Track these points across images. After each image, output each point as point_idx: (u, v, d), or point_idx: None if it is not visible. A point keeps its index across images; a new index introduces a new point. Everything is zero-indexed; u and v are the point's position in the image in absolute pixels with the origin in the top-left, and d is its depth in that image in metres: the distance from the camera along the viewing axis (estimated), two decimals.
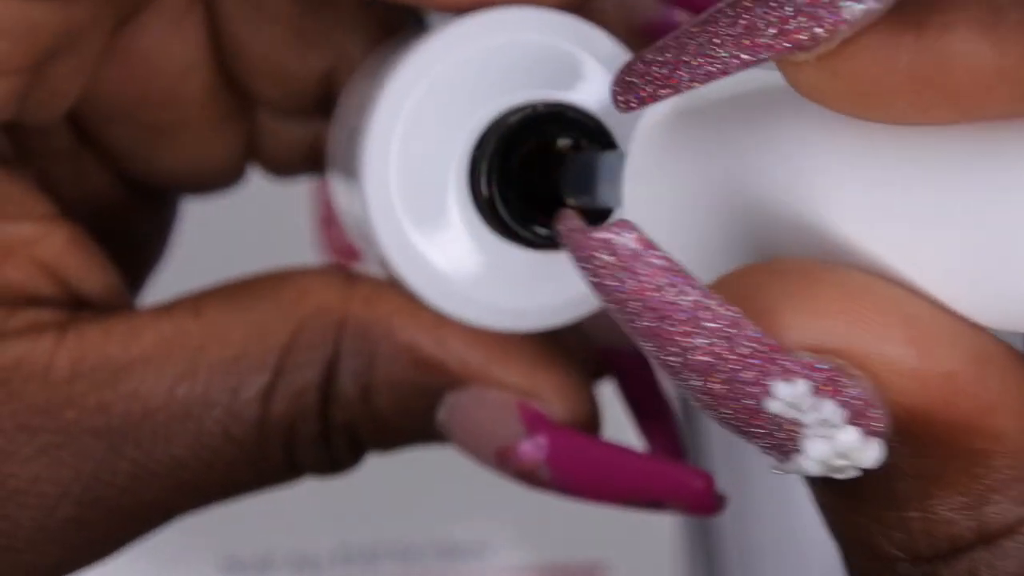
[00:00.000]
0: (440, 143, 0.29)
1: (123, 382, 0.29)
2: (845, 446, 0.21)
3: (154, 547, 0.33)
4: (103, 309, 0.31)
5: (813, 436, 0.21)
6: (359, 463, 0.31)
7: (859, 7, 0.21)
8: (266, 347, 0.29)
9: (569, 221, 0.22)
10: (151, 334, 0.29)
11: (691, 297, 0.21)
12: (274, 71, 0.33)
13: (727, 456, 0.58)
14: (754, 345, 0.21)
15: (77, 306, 0.30)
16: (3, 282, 0.29)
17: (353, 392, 0.30)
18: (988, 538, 0.22)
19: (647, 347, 0.22)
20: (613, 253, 0.21)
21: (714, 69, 0.22)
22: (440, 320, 0.29)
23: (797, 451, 0.21)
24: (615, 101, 0.23)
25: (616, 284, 0.21)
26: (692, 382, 0.21)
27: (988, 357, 0.22)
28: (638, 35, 0.31)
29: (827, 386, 0.21)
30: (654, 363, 0.22)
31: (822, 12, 0.21)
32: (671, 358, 0.21)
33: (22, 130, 0.31)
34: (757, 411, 0.21)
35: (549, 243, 0.29)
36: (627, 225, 0.21)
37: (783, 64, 0.22)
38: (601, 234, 0.21)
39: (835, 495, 0.23)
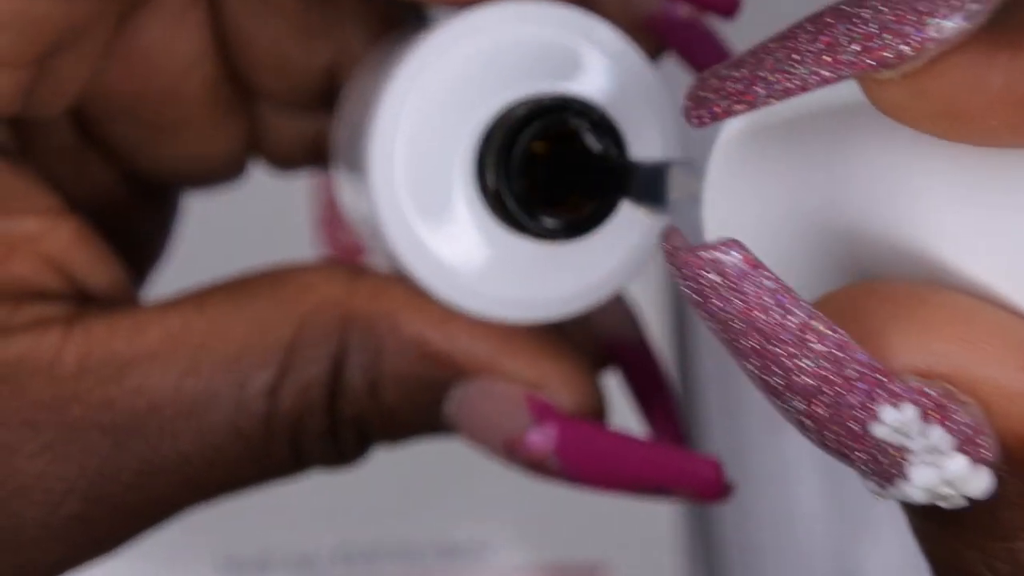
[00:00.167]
0: (445, 137, 0.29)
1: (128, 377, 0.29)
2: (953, 474, 0.21)
3: (153, 547, 0.33)
4: (108, 304, 0.30)
5: (919, 463, 0.21)
6: (365, 456, 0.31)
7: (949, 24, 0.20)
8: (271, 342, 0.29)
9: (672, 238, 0.22)
10: (157, 329, 0.29)
11: (799, 318, 0.21)
12: (278, 64, 0.33)
13: (727, 455, 0.58)
14: (862, 368, 0.21)
15: (83, 301, 0.30)
16: (9, 277, 0.29)
17: (361, 386, 0.30)
18: None
19: (748, 367, 0.21)
20: (720, 272, 0.21)
21: (792, 86, 0.21)
22: (446, 313, 0.29)
23: (902, 477, 0.21)
24: (687, 116, 0.23)
25: (721, 304, 0.21)
26: (795, 404, 0.21)
27: None
28: (640, 29, 0.31)
29: (936, 412, 0.21)
30: (755, 384, 0.21)
31: (908, 29, 0.20)
32: (774, 379, 0.21)
33: (25, 126, 0.31)
34: (862, 436, 0.21)
35: (556, 234, 0.29)
36: (734, 244, 0.21)
37: (865, 81, 0.21)
38: (708, 253, 0.21)
39: (936, 523, 0.23)
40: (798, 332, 0.21)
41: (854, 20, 0.21)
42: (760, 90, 0.22)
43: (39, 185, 0.30)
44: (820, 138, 0.23)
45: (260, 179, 0.37)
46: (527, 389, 0.29)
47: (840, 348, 0.21)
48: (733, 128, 0.24)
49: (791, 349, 0.21)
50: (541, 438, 0.29)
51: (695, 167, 0.25)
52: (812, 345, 0.21)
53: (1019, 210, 0.21)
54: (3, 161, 0.30)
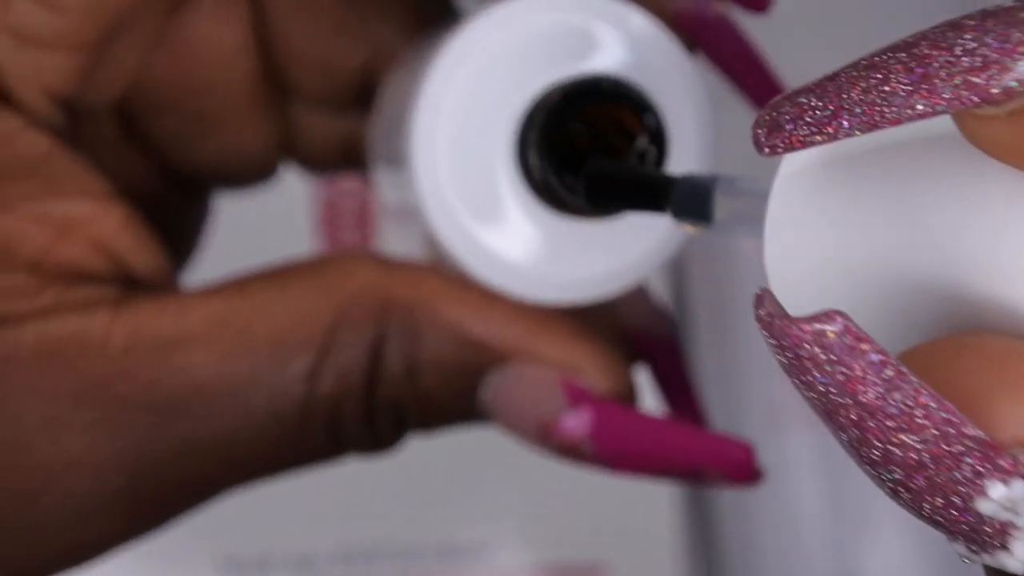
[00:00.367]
0: (485, 122, 0.29)
1: (173, 358, 0.29)
2: None
3: (153, 547, 0.33)
4: (152, 289, 0.31)
5: None
6: (400, 444, 0.31)
7: None
8: (311, 327, 0.30)
9: (768, 305, 0.21)
10: (201, 313, 0.30)
11: (905, 394, 0.20)
12: (315, 62, 0.33)
13: None
14: (970, 443, 0.20)
15: (128, 284, 0.31)
16: (62, 258, 0.30)
17: (399, 371, 0.30)
18: None
19: (842, 437, 0.20)
20: (822, 346, 0.20)
21: (882, 119, 0.20)
22: (484, 299, 0.30)
23: (1003, 550, 0.20)
24: (757, 143, 0.21)
25: (821, 377, 0.20)
26: (891, 476, 0.20)
27: None
28: (669, 25, 0.31)
29: None
30: (847, 451, 0.21)
31: (1019, 62, 0.19)
32: (872, 452, 0.20)
33: (74, 113, 0.32)
34: (964, 509, 0.20)
35: (600, 208, 0.29)
36: (838, 316, 0.20)
37: (963, 117, 0.20)
38: (811, 326, 0.20)
39: None
40: (904, 408, 0.20)
41: (955, 51, 0.19)
42: (845, 122, 0.20)
43: (92, 169, 0.31)
44: (897, 172, 0.22)
45: None
46: (562, 374, 0.29)
47: (948, 424, 0.20)
48: (798, 157, 0.22)
49: (893, 424, 0.20)
50: (576, 422, 0.29)
51: (742, 185, 0.24)
52: (918, 421, 0.20)
53: None
54: (61, 143, 0.31)
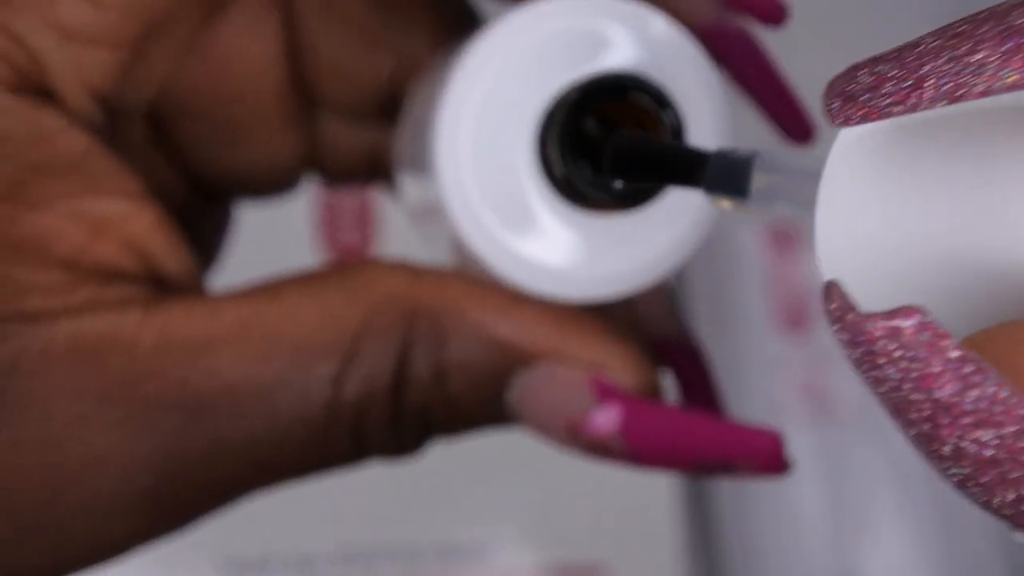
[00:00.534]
0: (507, 123, 0.29)
1: (202, 359, 0.30)
2: None
3: (153, 547, 0.33)
4: (181, 291, 0.31)
5: None
6: (423, 450, 0.31)
7: None
8: (339, 331, 0.30)
9: (838, 299, 0.20)
10: (231, 315, 0.30)
11: (984, 392, 0.19)
12: (343, 73, 0.34)
13: None
14: None
15: (158, 286, 0.31)
16: (97, 257, 0.30)
17: (426, 376, 0.30)
18: None
19: (911, 432, 0.20)
20: (899, 342, 0.19)
21: (969, 92, 0.19)
22: (508, 300, 0.30)
23: None
24: (828, 113, 0.21)
25: (895, 373, 0.19)
26: (961, 471, 0.20)
27: None
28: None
29: None
30: (915, 446, 0.20)
31: None
32: (945, 448, 0.20)
33: (111, 114, 0.32)
34: None
35: (619, 202, 0.29)
36: (916, 312, 0.19)
37: None
38: (887, 322, 0.19)
39: None
40: (982, 405, 0.19)
41: None
42: (928, 93, 0.19)
43: (127, 169, 0.31)
44: (959, 146, 0.21)
45: None
46: (590, 372, 0.30)
47: None
48: (853, 131, 0.21)
49: (970, 420, 0.19)
50: (605, 419, 0.29)
51: (780, 160, 0.24)
52: (996, 418, 0.19)
53: None
54: (99, 142, 0.31)
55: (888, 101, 0.20)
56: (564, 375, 0.30)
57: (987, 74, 0.19)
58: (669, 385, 0.33)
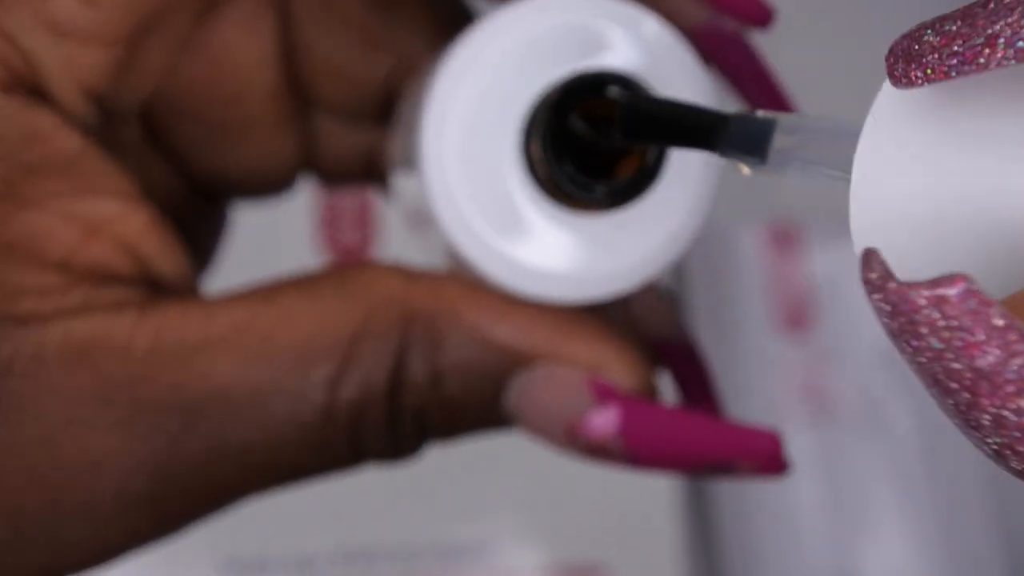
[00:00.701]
0: (493, 123, 0.29)
1: (197, 362, 0.30)
2: None
3: (152, 548, 0.33)
4: (175, 293, 0.31)
5: None
6: (420, 453, 0.31)
7: None
8: (334, 335, 0.30)
9: (877, 267, 0.20)
10: (226, 318, 0.30)
11: None
12: (340, 73, 0.33)
13: None
14: None
15: (153, 288, 0.31)
16: (90, 259, 0.30)
17: (423, 379, 0.30)
18: None
19: (948, 402, 0.20)
20: (943, 311, 0.19)
21: None
22: (505, 304, 0.30)
23: None
24: (892, 75, 0.20)
25: (939, 342, 0.19)
26: (999, 439, 0.19)
27: None
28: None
29: None
30: (950, 415, 0.20)
31: None
32: (983, 417, 0.19)
33: (105, 114, 0.32)
34: None
35: (606, 201, 0.29)
36: (961, 279, 0.19)
37: None
38: (931, 291, 0.19)
39: None
40: None
41: None
42: (999, 52, 0.19)
43: (121, 170, 0.31)
44: (1006, 106, 0.20)
45: None
46: (588, 373, 0.29)
47: None
48: (893, 91, 0.21)
49: (1013, 388, 0.19)
50: (604, 420, 0.29)
51: (804, 123, 0.24)
52: None
53: None
54: (93, 142, 0.31)
55: (956, 60, 0.19)
56: (561, 376, 0.30)
57: None
58: (668, 386, 0.33)
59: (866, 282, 0.20)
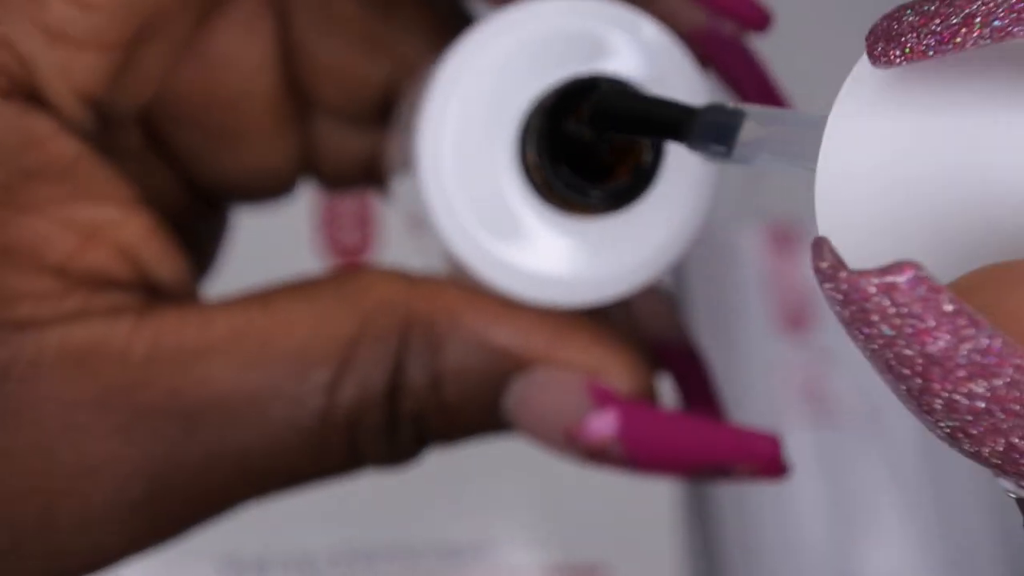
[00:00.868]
0: (489, 128, 0.29)
1: (195, 368, 0.29)
2: None
3: (152, 552, 0.33)
4: (173, 298, 0.31)
5: None
6: (419, 458, 0.31)
7: None
8: (332, 340, 0.30)
9: (828, 256, 0.20)
10: (223, 323, 0.30)
11: (978, 344, 0.19)
12: (339, 77, 0.33)
13: None
14: None
15: (151, 292, 0.31)
16: (88, 264, 0.30)
17: (422, 383, 0.30)
18: None
19: (901, 388, 0.20)
20: (893, 299, 0.19)
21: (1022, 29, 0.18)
22: (504, 307, 0.30)
23: None
24: (871, 55, 0.20)
25: (890, 329, 0.19)
26: (951, 423, 0.20)
27: None
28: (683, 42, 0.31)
29: None
30: (903, 401, 0.20)
31: None
32: (935, 402, 0.19)
33: (103, 120, 0.32)
34: None
35: (602, 206, 0.29)
36: (909, 267, 0.19)
37: None
38: (881, 279, 0.19)
39: None
40: (977, 358, 0.19)
41: None
42: (976, 32, 0.19)
43: (119, 175, 0.31)
44: (972, 88, 0.20)
45: None
46: (586, 376, 0.29)
47: (1020, 370, 0.19)
48: (858, 78, 0.21)
49: (963, 373, 0.19)
50: (602, 424, 0.29)
51: (771, 114, 0.24)
52: (991, 369, 0.19)
53: None
54: (90, 148, 0.31)
55: (933, 40, 0.19)
56: (560, 380, 0.29)
57: None
58: (668, 388, 0.33)
59: (817, 271, 0.20)
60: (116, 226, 0.30)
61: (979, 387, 0.19)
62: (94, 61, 0.30)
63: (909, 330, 0.19)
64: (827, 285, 0.20)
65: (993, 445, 0.20)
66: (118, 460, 0.29)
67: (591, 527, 0.59)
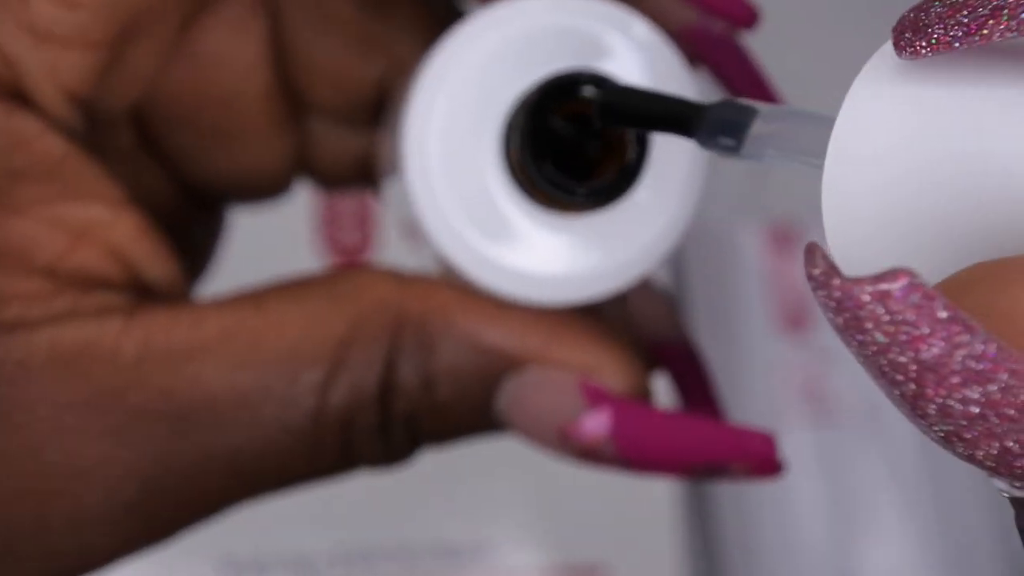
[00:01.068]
0: (475, 126, 0.29)
1: (185, 368, 0.29)
2: None
3: (145, 552, 0.33)
4: (164, 298, 0.31)
5: None
6: (412, 458, 0.31)
7: None
8: (323, 339, 0.30)
9: (822, 263, 0.20)
10: (214, 324, 0.30)
11: (972, 350, 0.19)
12: (331, 76, 0.33)
13: None
14: None
15: (141, 293, 0.31)
16: (77, 264, 0.30)
17: (414, 383, 0.30)
18: None
19: (895, 392, 0.20)
20: (887, 307, 0.19)
21: None
22: (496, 307, 0.30)
23: None
24: (897, 46, 0.20)
25: (884, 336, 0.19)
26: (946, 428, 0.20)
27: None
28: (674, 41, 0.31)
29: None
30: (897, 405, 0.20)
31: None
32: (929, 407, 0.19)
33: (93, 121, 0.32)
34: (1021, 453, 0.19)
35: (587, 203, 0.29)
36: (903, 274, 0.19)
37: None
38: (875, 286, 0.19)
39: None
40: (971, 364, 0.19)
41: None
42: (1003, 24, 0.19)
43: (108, 175, 0.31)
44: (988, 92, 0.20)
45: None
46: (579, 376, 0.29)
47: (1015, 375, 0.19)
48: (868, 76, 0.21)
49: (957, 379, 0.19)
50: (595, 423, 0.29)
51: (779, 114, 0.24)
52: (985, 375, 0.19)
53: None
54: (77, 147, 0.30)
55: (960, 31, 0.19)
56: (553, 380, 0.29)
57: None
58: (667, 388, 0.32)
59: (810, 278, 0.20)
60: (105, 226, 0.30)
61: (973, 392, 0.19)
62: (80, 60, 0.30)
63: (903, 337, 0.19)
64: (820, 292, 0.20)
65: (987, 448, 0.20)
66: (110, 461, 0.29)
67: (590, 527, 0.59)
